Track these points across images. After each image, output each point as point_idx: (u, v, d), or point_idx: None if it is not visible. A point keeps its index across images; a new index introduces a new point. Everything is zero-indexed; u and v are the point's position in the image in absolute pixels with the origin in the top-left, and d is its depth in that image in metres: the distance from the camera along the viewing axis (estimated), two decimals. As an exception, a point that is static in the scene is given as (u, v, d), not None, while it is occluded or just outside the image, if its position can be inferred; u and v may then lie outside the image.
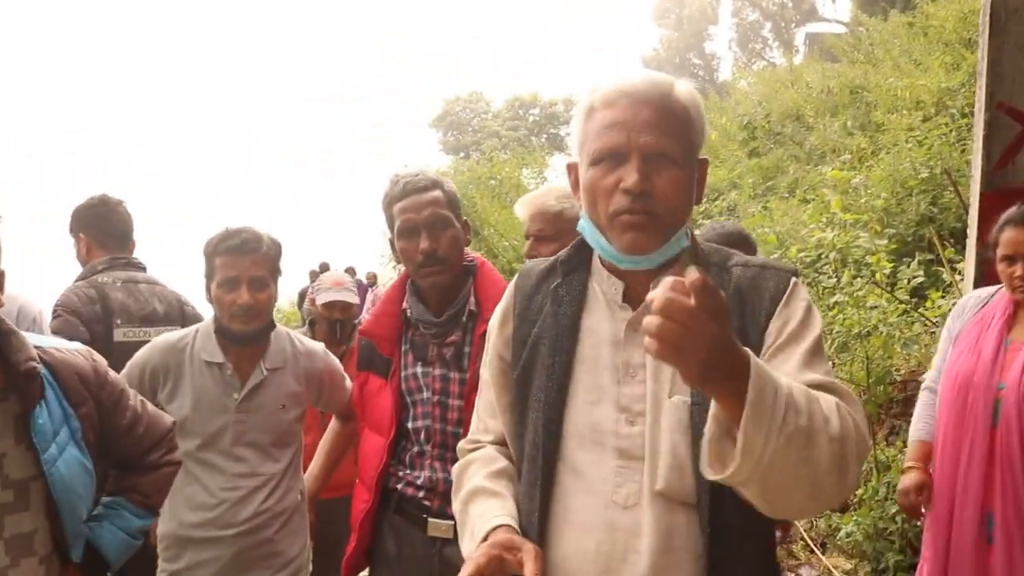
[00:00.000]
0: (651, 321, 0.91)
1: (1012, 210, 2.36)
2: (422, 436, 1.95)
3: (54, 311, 2.59)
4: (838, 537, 4.19)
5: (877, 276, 4.99)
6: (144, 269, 2.88)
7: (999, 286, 2.44)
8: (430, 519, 1.90)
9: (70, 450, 1.53)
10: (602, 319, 1.28)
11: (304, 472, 2.41)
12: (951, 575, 2.31)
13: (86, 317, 2.58)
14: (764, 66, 23.42)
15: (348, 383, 2.41)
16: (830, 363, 1.21)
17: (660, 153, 1.18)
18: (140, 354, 2.20)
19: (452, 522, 1.69)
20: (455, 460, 1.46)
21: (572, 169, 1.33)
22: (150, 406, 1.79)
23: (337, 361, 2.44)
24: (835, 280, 5.16)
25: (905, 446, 2.66)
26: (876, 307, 4.72)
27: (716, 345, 0.91)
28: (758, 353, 1.17)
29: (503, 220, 12.25)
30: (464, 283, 1.98)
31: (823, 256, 5.73)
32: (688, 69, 30.26)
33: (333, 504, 2.69)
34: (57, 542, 1.54)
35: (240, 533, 2.12)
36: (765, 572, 1.24)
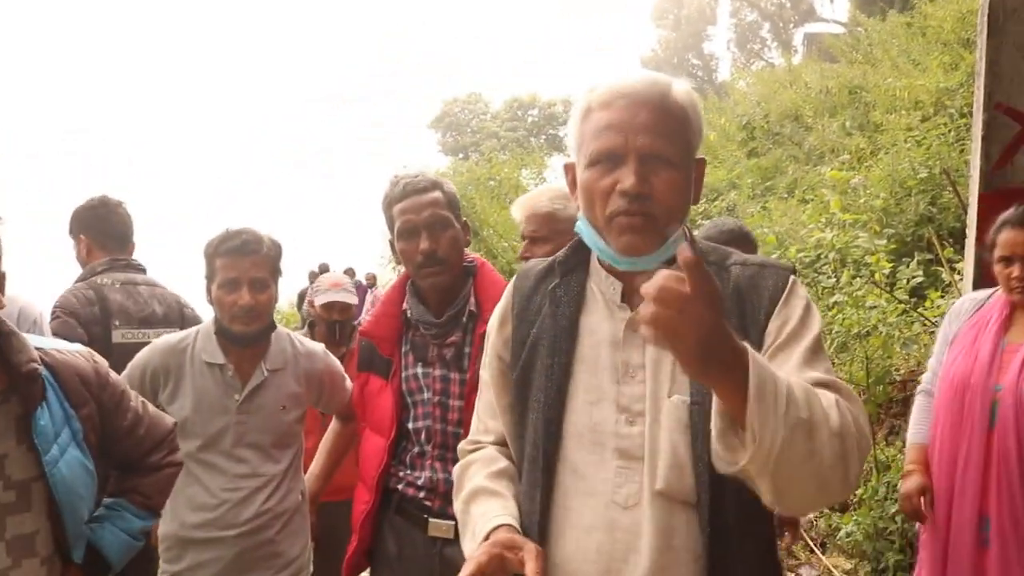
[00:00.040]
0: (646, 308, 0.92)
1: (1010, 211, 2.36)
2: (423, 436, 1.95)
3: (53, 312, 2.59)
4: (838, 537, 4.20)
5: (876, 276, 5.00)
6: (144, 271, 2.88)
7: (995, 289, 2.45)
8: (431, 519, 1.90)
9: (71, 451, 1.53)
10: (601, 319, 1.28)
11: (304, 473, 2.41)
12: None
13: (84, 318, 2.58)
14: (763, 66, 23.45)
15: (348, 384, 2.41)
16: (830, 362, 1.21)
17: (657, 155, 1.18)
18: (141, 355, 2.21)
19: (453, 522, 1.69)
20: (455, 460, 1.46)
21: (569, 169, 1.33)
22: (151, 407, 1.79)
23: (337, 362, 2.44)
24: (834, 280, 5.17)
25: (905, 446, 2.65)
26: (875, 307, 4.73)
27: (711, 329, 0.91)
28: (758, 351, 1.18)
29: (502, 221, 12.25)
30: (464, 284, 1.98)
31: (822, 256, 5.74)
32: (687, 69, 30.26)
33: (334, 507, 2.69)
34: (59, 543, 1.54)
35: (241, 534, 2.12)
36: (765, 571, 1.25)
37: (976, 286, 2.94)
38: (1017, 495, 2.16)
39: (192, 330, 2.27)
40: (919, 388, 2.60)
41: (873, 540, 3.94)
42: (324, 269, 11.69)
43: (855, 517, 4.12)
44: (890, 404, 4.70)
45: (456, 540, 1.63)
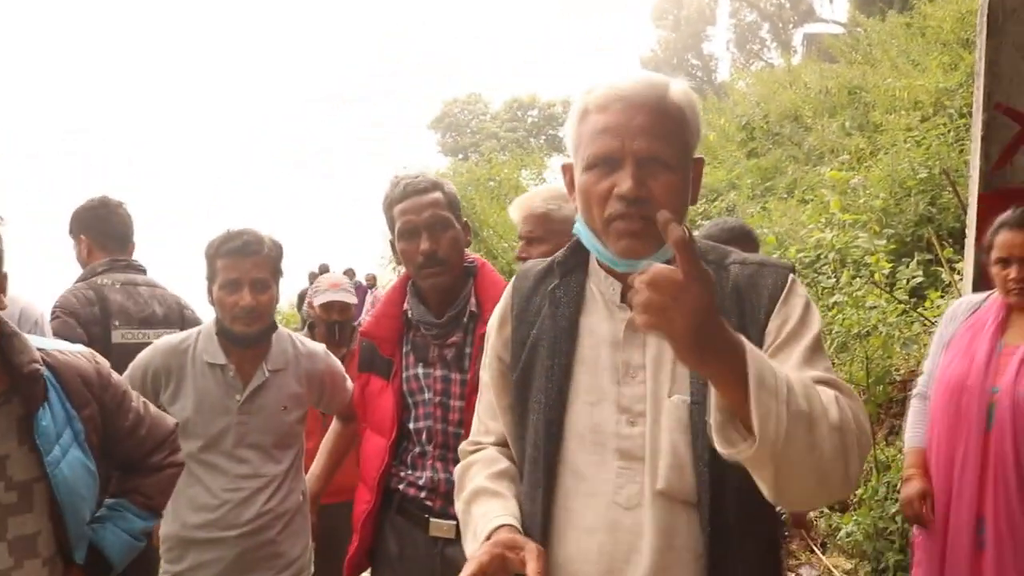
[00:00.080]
0: (639, 295, 0.92)
1: (1007, 213, 2.37)
2: (423, 437, 1.95)
3: (53, 312, 2.59)
4: (838, 537, 4.20)
5: (876, 276, 5.00)
6: (144, 271, 2.89)
7: (990, 292, 2.45)
8: (432, 519, 1.91)
9: (73, 452, 1.53)
10: (601, 320, 1.28)
11: (305, 474, 2.41)
12: None
13: (84, 318, 2.58)
14: (762, 67, 23.45)
15: (349, 384, 2.41)
16: (829, 361, 1.21)
17: (654, 157, 1.18)
18: (142, 356, 2.21)
19: (454, 522, 1.70)
20: (456, 461, 1.46)
21: (567, 170, 1.33)
22: (153, 408, 1.79)
23: (338, 362, 2.45)
24: (834, 280, 5.17)
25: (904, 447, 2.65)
26: (875, 307, 4.73)
27: (705, 312, 0.92)
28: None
29: (502, 222, 12.25)
30: (465, 284, 1.98)
31: (822, 256, 5.74)
32: (686, 70, 30.26)
33: (335, 509, 2.70)
34: (60, 544, 1.55)
35: (243, 534, 2.12)
36: (766, 571, 1.25)
37: (976, 286, 2.94)
38: (1013, 497, 2.16)
39: (193, 331, 2.27)
40: (914, 392, 2.59)
41: (873, 540, 3.94)
42: (324, 270, 11.70)
43: (855, 517, 4.12)
44: (890, 404, 4.70)
45: (457, 540, 1.63)
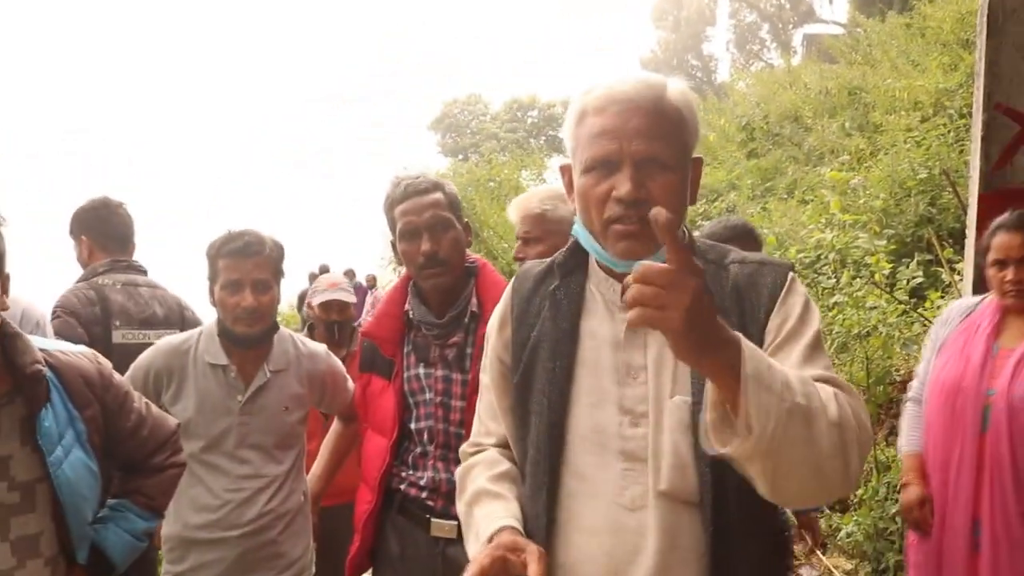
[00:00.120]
0: (630, 290, 0.92)
1: (1004, 216, 2.37)
2: (425, 437, 1.95)
3: (53, 312, 2.59)
4: (838, 537, 4.20)
5: (876, 277, 5.00)
6: (145, 272, 2.89)
7: (984, 296, 2.45)
8: (433, 519, 1.91)
9: (76, 452, 1.54)
10: (601, 321, 1.28)
11: (307, 474, 2.42)
12: None
13: (85, 318, 2.58)
14: (762, 67, 23.46)
15: (350, 384, 2.42)
16: (829, 359, 1.21)
17: (652, 159, 1.18)
18: (144, 357, 2.21)
19: (455, 522, 1.70)
20: (458, 461, 1.47)
21: (566, 171, 1.32)
22: (154, 408, 1.79)
23: (339, 362, 2.45)
24: (834, 281, 5.18)
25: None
26: (875, 307, 4.74)
27: (696, 302, 0.91)
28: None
29: (502, 222, 12.25)
30: (466, 284, 1.99)
31: (822, 257, 5.75)
32: (686, 70, 30.26)
33: (336, 510, 2.70)
34: (63, 544, 1.55)
35: (244, 534, 2.12)
36: (770, 571, 1.25)
37: (976, 287, 2.94)
38: (1009, 499, 2.16)
39: (195, 331, 2.27)
40: (907, 396, 2.58)
41: (873, 540, 3.95)
42: (324, 270, 11.69)
43: (855, 517, 4.12)
44: (890, 404, 4.70)
45: (459, 540, 1.63)
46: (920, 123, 7.99)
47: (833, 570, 4.12)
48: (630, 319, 0.92)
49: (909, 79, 9.16)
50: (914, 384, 2.57)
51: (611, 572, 1.18)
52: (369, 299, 13.04)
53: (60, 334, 2.46)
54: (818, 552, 4.28)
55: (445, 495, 1.88)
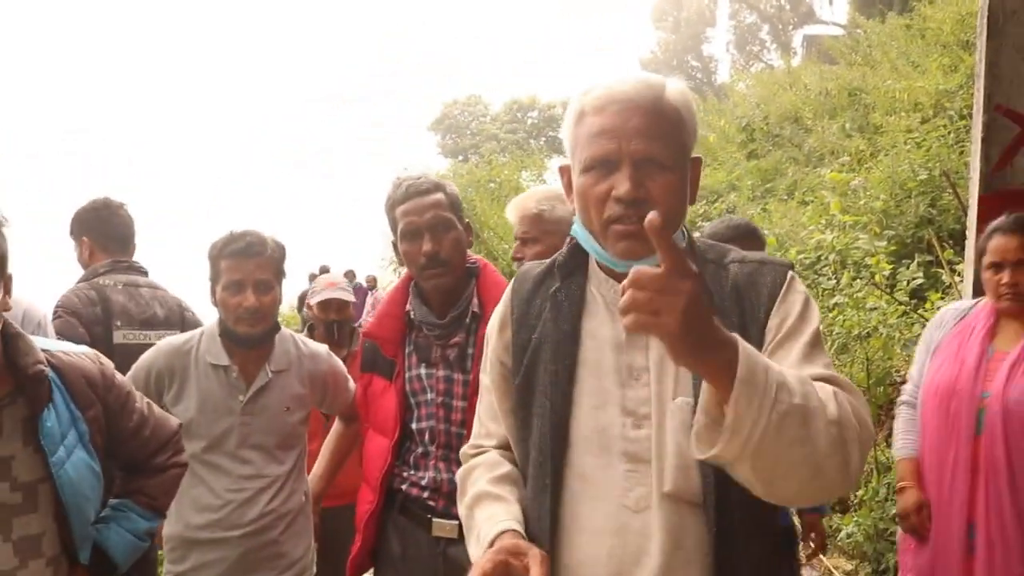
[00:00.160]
0: (625, 297, 0.91)
1: (1000, 219, 2.37)
2: (426, 437, 1.96)
3: (55, 311, 2.59)
4: (839, 538, 4.21)
5: (876, 278, 5.01)
6: (146, 273, 2.89)
7: (977, 299, 2.45)
8: (434, 519, 1.91)
9: (78, 453, 1.54)
10: (602, 323, 1.27)
11: (308, 475, 2.42)
12: None
13: (86, 318, 2.59)
14: (762, 68, 23.48)
15: (351, 385, 2.42)
16: (829, 356, 1.21)
17: (651, 158, 1.18)
18: (145, 357, 2.22)
19: (456, 522, 1.70)
20: (459, 461, 1.46)
21: (564, 172, 1.32)
22: (156, 409, 1.79)
23: (340, 363, 2.45)
24: (835, 282, 5.19)
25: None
26: (876, 308, 4.75)
27: (691, 305, 0.90)
28: (759, 349, 1.18)
29: (502, 223, 12.26)
30: (467, 285, 1.99)
31: (822, 258, 5.76)
32: (686, 71, 30.29)
33: (337, 511, 2.69)
34: (65, 544, 1.55)
35: (246, 534, 2.13)
36: (773, 570, 1.25)
37: (976, 288, 2.94)
38: (1005, 502, 2.15)
39: (196, 332, 2.27)
40: (900, 399, 2.57)
41: (874, 541, 3.95)
42: (324, 270, 11.69)
43: (856, 518, 4.13)
44: (891, 405, 4.70)
45: (460, 540, 1.63)
46: (920, 124, 8.00)
47: (833, 571, 4.13)
48: (625, 324, 0.92)
49: (909, 80, 9.17)
50: (907, 387, 2.56)
51: (615, 573, 1.18)
52: (369, 300, 13.04)
53: (61, 334, 2.47)
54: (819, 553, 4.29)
55: (446, 495, 1.88)
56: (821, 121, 10.24)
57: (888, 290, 5.07)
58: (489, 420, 1.41)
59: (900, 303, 4.96)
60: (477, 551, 1.23)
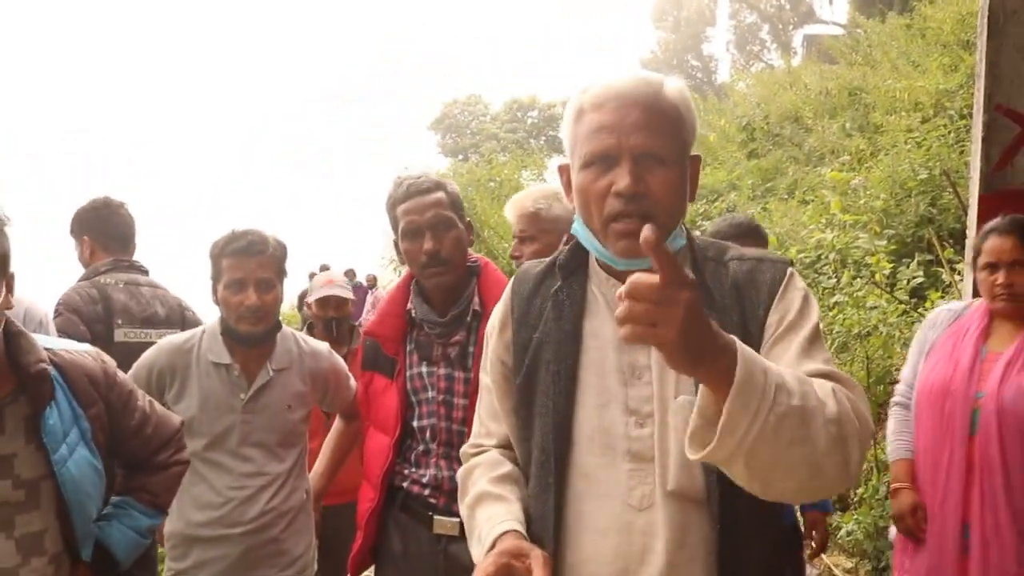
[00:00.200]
0: (621, 308, 0.91)
1: (996, 220, 2.37)
2: (427, 435, 1.96)
3: (56, 309, 2.60)
4: (839, 536, 4.21)
5: (877, 276, 5.01)
6: (146, 272, 2.90)
7: (971, 300, 2.46)
8: (436, 516, 1.91)
9: (80, 450, 1.54)
10: (604, 322, 1.27)
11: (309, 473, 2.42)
12: None
13: (87, 316, 2.59)
14: (762, 68, 23.49)
15: (352, 383, 2.43)
16: (828, 352, 1.21)
17: (651, 154, 1.18)
18: (147, 355, 2.22)
19: (458, 519, 1.70)
20: (460, 459, 1.47)
21: (564, 171, 1.32)
22: (158, 406, 1.80)
23: (341, 361, 2.46)
24: (835, 280, 5.19)
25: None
26: (876, 307, 4.75)
27: (690, 315, 0.90)
28: (759, 346, 1.18)
29: (502, 222, 12.24)
30: (468, 283, 1.99)
31: (823, 257, 5.76)
32: (686, 71, 30.30)
33: (338, 509, 2.70)
34: (67, 541, 1.55)
35: (247, 532, 2.13)
36: (777, 566, 1.25)
37: (976, 286, 2.94)
38: (1000, 502, 2.15)
39: (198, 330, 2.28)
40: (893, 400, 2.56)
41: (874, 539, 3.96)
42: (325, 269, 11.70)
43: (856, 516, 4.13)
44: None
45: (461, 537, 1.64)
46: (920, 124, 8.00)
47: (833, 568, 4.13)
48: (623, 336, 0.92)
49: (909, 80, 9.17)
50: (900, 388, 2.56)
51: (620, 571, 1.18)
52: (369, 299, 13.04)
53: (63, 332, 2.47)
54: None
55: (447, 492, 1.88)
56: (821, 120, 10.24)
57: (888, 289, 5.08)
58: (489, 419, 1.41)
59: (900, 302, 4.96)
60: (479, 552, 1.23)
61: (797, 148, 10.27)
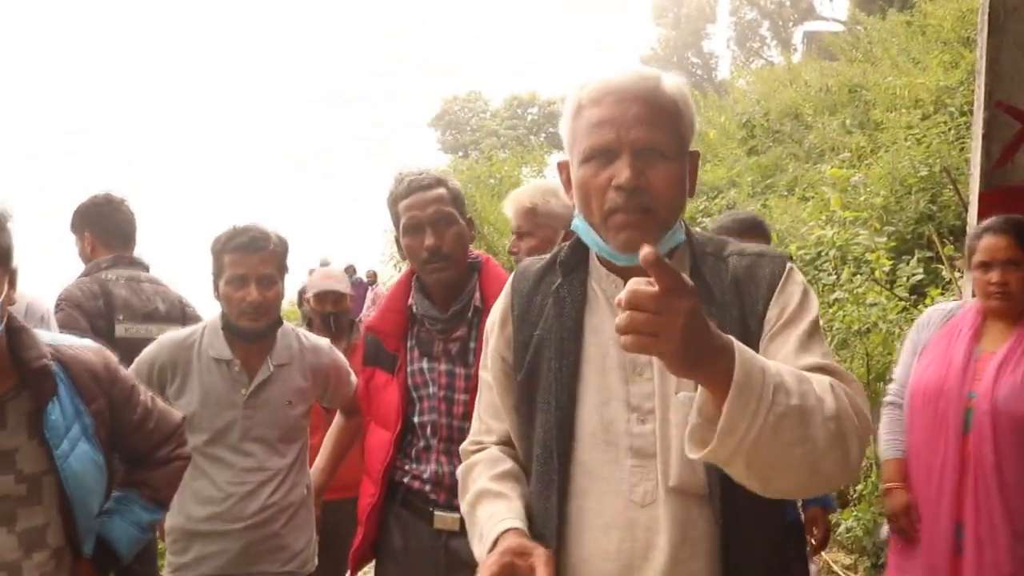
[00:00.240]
0: (620, 318, 0.91)
1: (991, 219, 2.37)
2: (428, 430, 1.97)
3: (57, 304, 2.61)
4: (838, 532, 4.21)
5: (877, 273, 5.02)
6: (147, 268, 2.91)
7: (962, 300, 2.46)
8: (436, 512, 1.92)
9: (82, 446, 1.55)
10: (605, 319, 1.27)
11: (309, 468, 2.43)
12: None
13: (88, 311, 2.60)
14: (762, 65, 23.47)
15: (353, 378, 2.43)
16: (827, 345, 1.21)
17: (651, 148, 1.18)
18: (148, 351, 2.22)
19: (458, 515, 1.70)
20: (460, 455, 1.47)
21: (563, 168, 1.32)
22: (160, 402, 1.80)
23: (342, 356, 2.46)
24: (835, 277, 5.19)
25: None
26: (876, 304, 4.75)
27: (691, 323, 0.90)
28: (759, 341, 1.19)
29: (502, 219, 12.24)
30: (469, 279, 2.00)
31: (823, 253, 5.76)
32: (686, 68, 30.28)
33: (339, 505, 2.70)
34: (69, 536, 1.56)
35: (247, 527, 2.14)
36: (780, 559, 1.25)
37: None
38: (993, 501, 2.16)
39: (199, 326, 2.28)
40: (886, 400, 2.56)
41: (873, 536, 3.96)
42: (325, 264, 11.69)
43: (855, 513, 4.14)
44: (890, 401, 4.72)
45: (461, 533, 1.64)
46: (921, 121, 8.00)
47: (832, 565, 4.14)
48: (624, 345, 0.92)
49: (910, 76, 9.16)
50: (892, 387, 2.56)
51: (625, 567, 1.19)
52: (370, 295, 13.03)
53: (64, 326, 2.48)
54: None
55: (448, 488, 1.88)
56: (821, 117, 10.23)
57: (888, 286, 5.08)
58: (489, 417, 1.41)
59: (900, 299, 4.96)
60: (480, 550, 1.24)
61: (797, 145, 10.26)
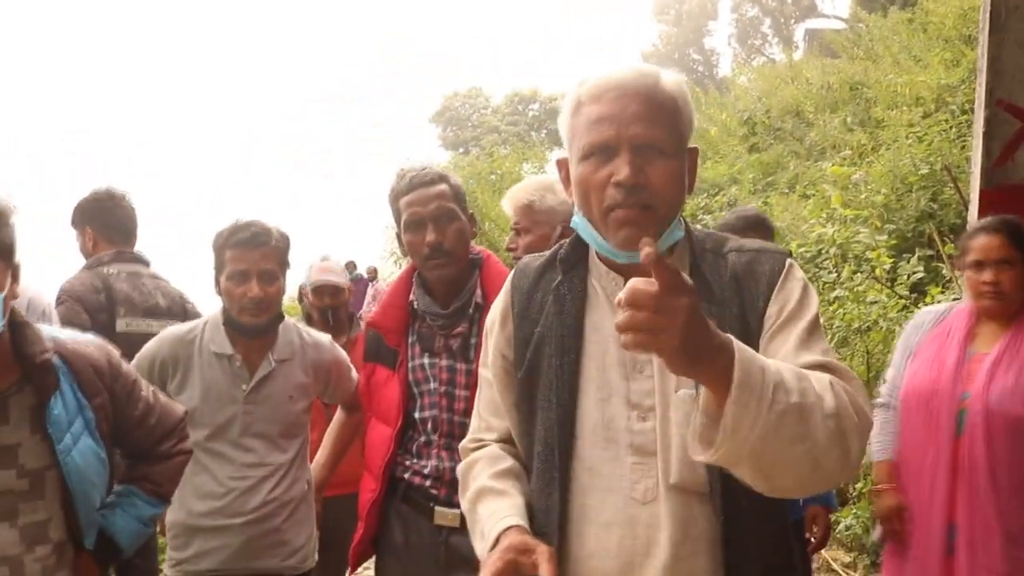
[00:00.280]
0: (621, 317, 0.91)
1: (985, 219, 2.37)
2: (429, 426, 1.97)
3: (58, 297, 2.61)
4: (837, 530, 4.22)
5: (877, 271, 5.02)
6: (148, 264, 2.91)
7: (953, 302, 2.46)
8: (437, 507, 1.92)
9: (84, 440, 1.55)
10: (605, 316, 1.27)
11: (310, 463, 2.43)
12: None
13: (90, 305, 2.60)
14: (764, 62, 23.45)
15: (354, 374, 2.43)
16: (827, 342, 1.21)
17: (650, 144, 1.18)
18: (149, 346, 2.23)
19: (459, 511, 1.71)
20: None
21: (562, 165, 1.32)
22: (162, 396, 1.80)
23: (343, 352, 2.46)
24: (835, 275, 5.20)
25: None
26: (876, 302, 4.76)
27: (690, 321, 0.91)
28: (759, 338, 1.19)
29: (503, 215, 12.21)
30: (470, 275, 2.00)
31: (823, 251, 5.77)
32: (687, 65, 30.26)
33: (339, 500, 2.70)
34: (71, 530, 1.56)
35: (248, 522, 2.14)
36: (781, 556, 1.26)
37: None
38: (985, 502, 2.16)
39: (200, 321, 2.28)
40: (878, 401, 2.55)
41: (872, 534, 3.96)
42: (325, 259, 11.67)
43: (854, 511, 4.15)
44: (890, 399, 4.72)
45: (462, 529, 1.64)
46: (922, 119, 8.00)
47: (832, 563, 4.15)
48: (624, 344, 0.92)
49: (911, 75, 9.17)
50: (884, 389, 2.55)
51: (626, 564, 1.19)
52: (370, 291, 13.04)
53: (65, 320, 2.48)
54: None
55: (449, 484, 1.89)
56: (822, 115, 10.23)
57: (888, 284, 5.09)
58: (489, 414, 1.41)
59: (900, 297, 4.97)
60: (481, 547, 1.24)
61: (798, 142, 10.26)
